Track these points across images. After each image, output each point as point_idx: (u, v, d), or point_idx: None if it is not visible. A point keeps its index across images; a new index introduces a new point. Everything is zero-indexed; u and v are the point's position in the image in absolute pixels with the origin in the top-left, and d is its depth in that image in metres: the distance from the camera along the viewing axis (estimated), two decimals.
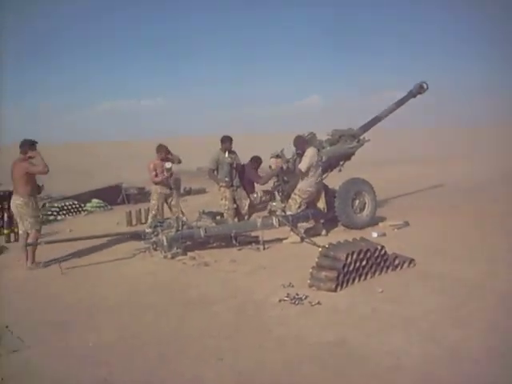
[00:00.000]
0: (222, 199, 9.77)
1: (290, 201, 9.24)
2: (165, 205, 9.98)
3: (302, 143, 9.41)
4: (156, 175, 9.69)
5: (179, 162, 10.06)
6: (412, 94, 11.39)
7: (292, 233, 8.87)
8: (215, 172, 9.82)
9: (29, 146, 7.89)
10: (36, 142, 7.98)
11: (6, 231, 10.43)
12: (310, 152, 9.17)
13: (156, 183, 9.79)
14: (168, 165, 9.67)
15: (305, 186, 9.15)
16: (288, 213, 9.06)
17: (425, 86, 11.35)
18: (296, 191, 9.20)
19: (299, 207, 9.12)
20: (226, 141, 9.82)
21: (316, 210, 9.36)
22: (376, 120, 11.20)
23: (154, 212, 9.80)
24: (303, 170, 9.05)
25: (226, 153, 9.74)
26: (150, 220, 9.82)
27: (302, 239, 8.72)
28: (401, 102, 11.43)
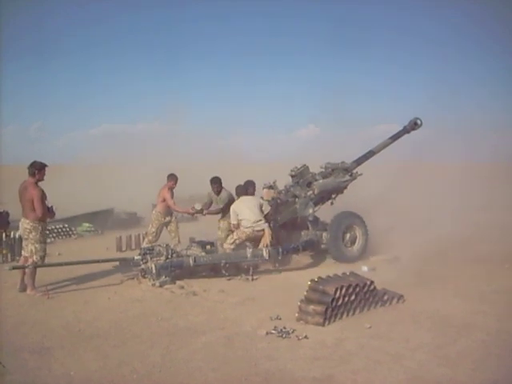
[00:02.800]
0: (218, 229, 10.06)
1: (230, 235, 9.46)
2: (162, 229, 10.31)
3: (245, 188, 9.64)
4: (174, 203, 10.05)
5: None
6: (406, 130, 11.47)
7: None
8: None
9: (38, 169, 7.77)
10: (45, 166, 7.88)
11: (4, 251, 10.27)
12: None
13: (175, 210, 10.22)
14: (198, 206, 10.04)
15: (241, 228, 9.31)
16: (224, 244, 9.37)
17: (419, 123, 11.41)
18: (236, 231, 9.36)
19: (233, 243, 9.26)
20: (212, 183, 10.09)
21: (306, 242, 9.39)
22: (370, 154, 11.27)
23: (150, 237, 9.97)
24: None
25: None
26: (144, 245, 9.83)
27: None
28: (395, 137, 11.49)
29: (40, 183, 7.82)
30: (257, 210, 9.29)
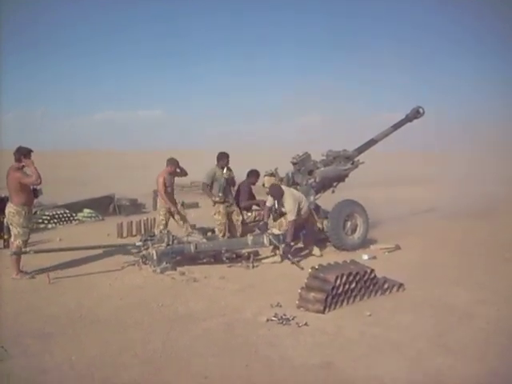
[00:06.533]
0: (215, 214, 9.73)
1: (282, 219, 9.16)
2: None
3: (277, 192, 9.09)
4: (165, 190, 9.64)
5: (186, 174, 10.24)
6: (408, 119, 11.45)
7: (274, 253, 8.87)
8: (209, 187, 9.76)
9: (24, 154, 7.75)
10: (31, 151, 7.83)
11: (5, 237, 10.11)
12: (289, 200, 8.96)
13: (162, 198, 9.68)
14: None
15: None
16: (274, 231, 9.01)
17: (421, 111, 11.41)
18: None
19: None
20: (223, 157, 9.78)
21: (307, 231, 9.37)
22: (371, 142, 11.23)
23: (161, 227, 9.60)
24: (293, 218, 8.83)
25: (225, 169, 9.70)
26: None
27: (283, 259, 8.72)
28: (397, 126, 11.46)
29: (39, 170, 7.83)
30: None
